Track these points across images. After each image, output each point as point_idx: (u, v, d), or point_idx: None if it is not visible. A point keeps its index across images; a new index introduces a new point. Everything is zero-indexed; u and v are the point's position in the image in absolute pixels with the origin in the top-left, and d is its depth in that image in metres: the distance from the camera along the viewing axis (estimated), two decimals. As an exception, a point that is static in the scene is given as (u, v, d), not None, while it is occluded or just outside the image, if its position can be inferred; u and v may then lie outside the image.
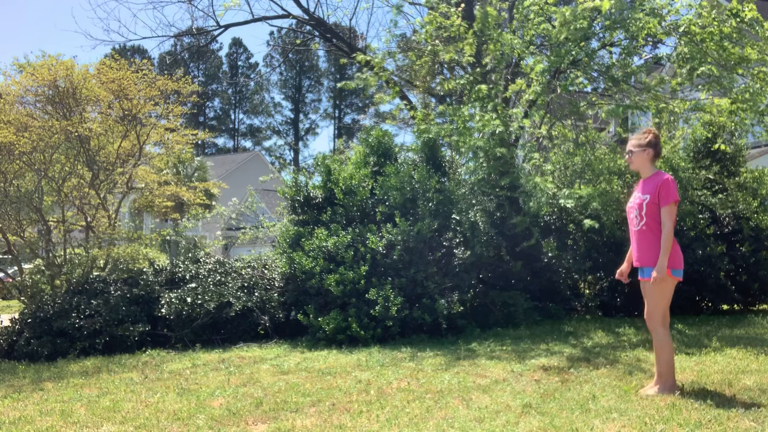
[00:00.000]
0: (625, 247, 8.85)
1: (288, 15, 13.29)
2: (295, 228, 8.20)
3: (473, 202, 8.73)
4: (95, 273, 8.65)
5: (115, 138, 9.69)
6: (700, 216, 8.86)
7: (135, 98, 9.38)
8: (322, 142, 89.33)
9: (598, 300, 9.43)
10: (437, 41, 9.20)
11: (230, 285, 8.07)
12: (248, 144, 63.95)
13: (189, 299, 7.67)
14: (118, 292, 7.89)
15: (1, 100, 9.03)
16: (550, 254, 8.90)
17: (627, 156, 4.54)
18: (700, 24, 7.55)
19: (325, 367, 5.96)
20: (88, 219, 9.42)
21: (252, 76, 64.35)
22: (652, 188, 4.37)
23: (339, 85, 9.98)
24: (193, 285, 7.99)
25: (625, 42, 8.22)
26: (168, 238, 13.40)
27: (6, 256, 10.54)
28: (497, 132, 7.80)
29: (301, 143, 63.34)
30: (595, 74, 8.57)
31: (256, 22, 13.22)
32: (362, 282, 7.31)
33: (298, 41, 16.36)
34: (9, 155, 8.79)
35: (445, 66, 10.74)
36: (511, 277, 8.90)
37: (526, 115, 8.51)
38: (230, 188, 25.41)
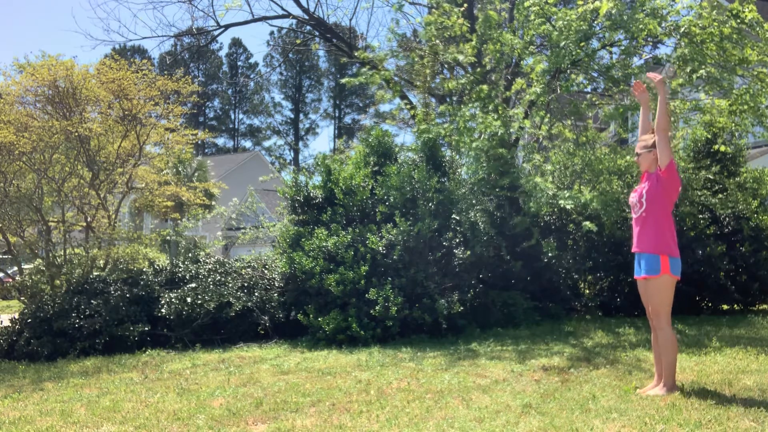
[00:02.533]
0: (625, 247, 8.87)
1: (288, 15, 13.28)
2: (295, 228, 8.20)
3: (473, 202, 8.73)
4: (95, 273, 8.65)
5: (115, 138, 9.70)
6: (700, 216, 8.86)
7: (135, 98, 9.38)
8: (322, 142, 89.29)
9: (598, 300, 9.43)
10: (438, 41, 9.20)
11: (230, 285, 8.07)
12: (248, 144, 63.97)
13: (189, 299, 7.67)
14: (118, 292, 7.89)
15: (1, 100, 9.03)
16: (550, 254, 8.90)
17: (636, 157, 4.66)
18: (700, 25, 7.55)
19: (325, 367, 5.96)
20: (88, 219, 9.42)
21: (252, 76, 64.33)
22: (652, 175, 4.49)
23: (343, 80, 9.97)
24: (193, 285, 7.99)
25: (625, 42, 8.22)
26: (168, 238, 13.41)
27: (6, 256, 10.55)
28: (498, 133, 7.80)
29: (301, 143, 63.37)
30: (596, 74, 8.57)
31: (256, 22, 13.20)
32: (362, 282, 7.31)
33: (298, 41, 16.36)
34: (9, 155, 8.80)
35: (446, 66, 10.74)
36: (511, 277, 8.90)
37: (526, 116, 8.51)
38: (230, 188, 25.42)
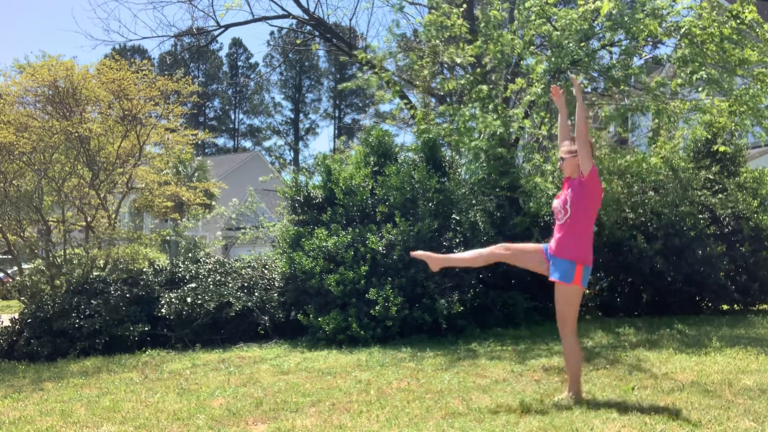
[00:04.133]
0: (625, 247, 8.87)
1: (288, 15, 13.29)
2: (295, 228, 8.20)
3: (473, 202, 8.73)
4: (95, 273, 8.65)
5: (115, 138, 9.69)
6: (700, 216, 8.86)
7: (135, 98, 9.38)
8: (322, 142, 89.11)
9: (598, 300, 9.43)
10: (438, 41, 9.20)
11: (230, 285, 8.07)
12: (248, 144, 63.92)
13: (189, 299, 7.67)
14: (118, 292, 7.89)
15: (1, 101, 9.03)
16: (550, 254, 8.88)
17: (559, 162, 4.53)
18: (700, 25, 7.55)
19: (325, 367, 5.96)
20: (88, 219, 9.42)
21: (252, 76, 64.30)
22: (574, 181, 4.38)
23: (339, 86, 9.98)
24: (193, 285, 7.99)
25: (625, 42, 8.22)
26: (168, 238, 13.39)
27: (6, 256, 10.54)
28: (498, 133, 7.80)
29: (301, 143, 63.31)
30: (596, 74, 8.57)
31: (256, 22, 13.22)
32: (362, 282, 7.32)
33: (298, 41, 16.35)
34: (9, 155, 8.80)
35: (446, 66, 10.74)
36: (511, 277, 8.89)
37: (526, 116, 8.51)
38: (230, 188, 25.39)
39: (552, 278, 4.37)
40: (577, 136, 4.37)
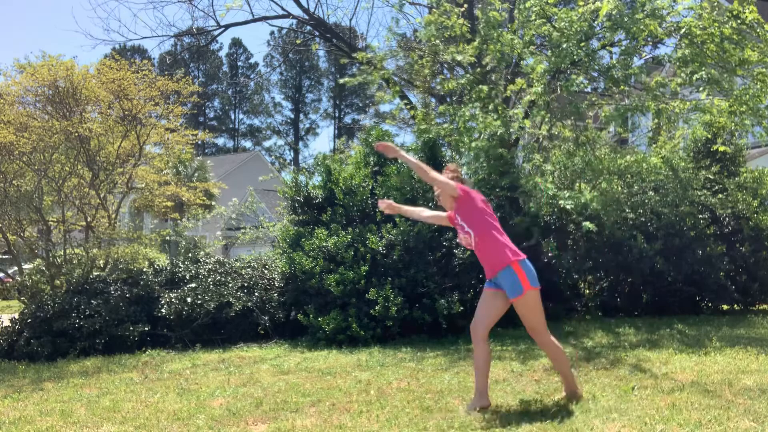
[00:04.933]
0: (625, 246, 8.88)
1: (288, 15, 13.31)
2: (295, 228, 8.21)
3: (473, 202, 8.71)
4: (95, 273, 8.65)
5: (115, 138, 9.69)
6: (700, 216, 8.86)
7: (135, 98, 9.38)
8: (322, 142, 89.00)
9: (598, 300, 9.43)
10: (438, 41, 9.20)
11: (230, 285, 8.07)
12: (248, 144, 63.92)
13: (189, 299, 7.67)
14: (118, 292, 7.89)
15: (1, 101, 9.03)
16: (550, 254, 8.89)
17: (436, 198, 4.54)
18: (701, 26, 7.55)
19: (325, 367, 5.96)
20: (88, 219, 9.42)
21: (252, 76, 64.31)
22: (455, 206, 4.37)
23: (341, 81, 9.97)
24: (193, 285, 7.99)
25: (625, 42, 8.22)
26: (168, 238, 13.40)
27: (6, 256, 10.55)
28: (498, 133, 7.81)
29: (301, 143, 63.32)
30: (596, 74, 8.57)
31: (256, 22, 13.24)
32: (362, 282, 7.32)
33: (298, 41, 16.36)
34: (9, 155, 8.80)
35: (446, 66, 10.74)
36: (512, 277, 8.88)
37: (526, 116, 8.51)
38: (230, 188, 25.41)
39: (511, 299, 4.29)
40: (424, 179, 4.57)
